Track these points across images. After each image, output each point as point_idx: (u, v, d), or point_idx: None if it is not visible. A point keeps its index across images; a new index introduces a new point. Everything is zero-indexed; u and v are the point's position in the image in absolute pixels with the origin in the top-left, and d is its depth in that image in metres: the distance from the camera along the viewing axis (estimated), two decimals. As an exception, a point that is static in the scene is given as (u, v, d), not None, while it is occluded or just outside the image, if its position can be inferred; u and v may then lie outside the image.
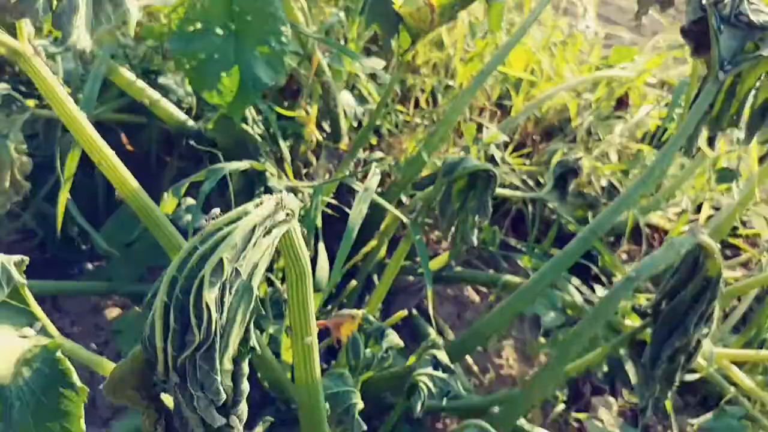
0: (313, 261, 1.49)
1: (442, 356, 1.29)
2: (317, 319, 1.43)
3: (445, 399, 1.29)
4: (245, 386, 0.67)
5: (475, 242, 1.36)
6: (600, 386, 1.89)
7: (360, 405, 1.14)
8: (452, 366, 1.29)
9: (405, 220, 1.40)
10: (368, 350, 1.26)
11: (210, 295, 0.61)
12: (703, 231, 1.25)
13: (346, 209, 1.77)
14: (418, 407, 1.22)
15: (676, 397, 2.00)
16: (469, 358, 1.78)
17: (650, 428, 1.88)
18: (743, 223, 2.68)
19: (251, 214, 0.63)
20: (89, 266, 1.75)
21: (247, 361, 0.67)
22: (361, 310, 1.31)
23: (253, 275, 0.65)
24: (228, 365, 0.65)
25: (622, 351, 1.57)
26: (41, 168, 1.65)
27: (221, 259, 0.61)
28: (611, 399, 1.84)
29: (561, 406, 1.72)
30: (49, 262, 1.75)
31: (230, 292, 0.63)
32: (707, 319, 1.43)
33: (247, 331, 0.66)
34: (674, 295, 1.35)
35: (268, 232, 0.67)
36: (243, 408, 0.69)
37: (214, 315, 0.62)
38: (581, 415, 1.67)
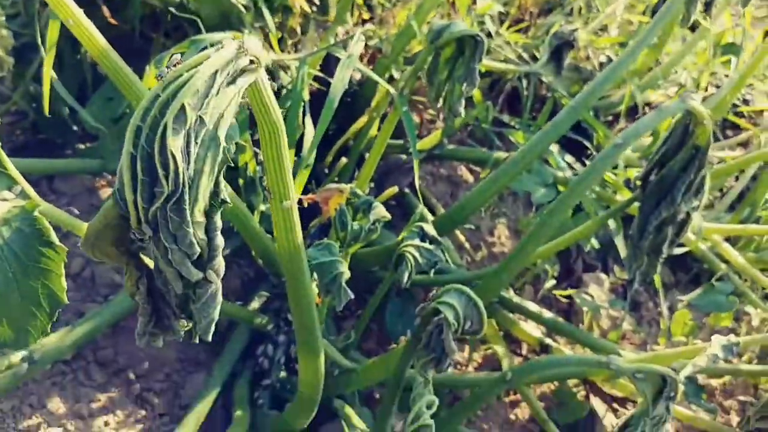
0: (301, 136, 1.47)
1: (429, 228, 1.30)
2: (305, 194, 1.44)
3: (432, 271, 1.30)
4: (219, 240, 0.67)
5: (462, 113, 1.33)
6: (592, 263, 1.91)
7: (347, 274, 1.15)
8: (439, 238, 1.30)
9: (392, 91, 1.37)
10: (356, 223, 1.26)
11: (174, 143, 0.60)
12: (693, 97, 1.22)
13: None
14: (405, 277, 1.24)
15: (668, 273, 2.03)
16: (461, 236, 1.80)
17: (641, 305, 1.92)
18: (745, 101, 2.63)
19: (212, 58, 0.61)
20: (81, 147, 1.74)
21: (219, 214, 0.66)
22: (350, 184, 1.31)
23: (219, 125, 0.64)
24: (199, 218, 0.64)
25: (612, 225, 1.57)
26: (28, 48, 1.61)
27: (183, 106, 0.60)
28: (603, 275, 1.87)
29: (551, 282, 1.75)
30: (41, 144, 1.74)
31: (196, 142, 0.62)
32: (697, 190, 1.42)
33: (217, 183, 0.65)
34: (663, 165, 1.34)
35: (233, 81, 0.65)
36: (219, 263, 0.69)
37: (181, 165, 0.61)
38: (571, 291, 1.70)
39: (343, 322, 1.61)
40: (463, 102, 1.35)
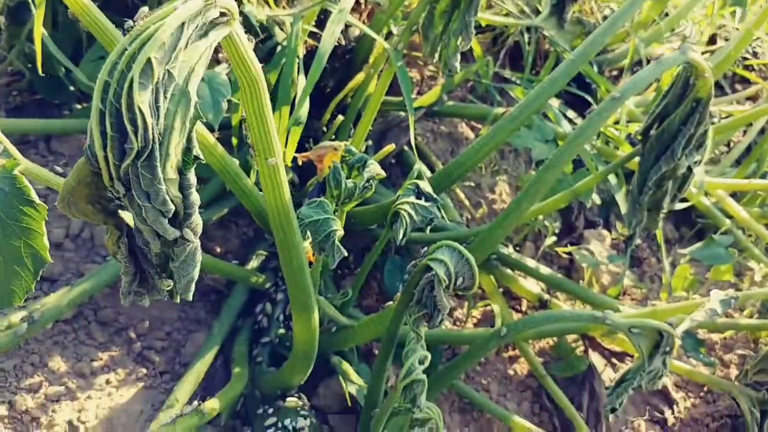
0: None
1: (425, 185, 1.28)
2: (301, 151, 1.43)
3: (429, 228, 1.30)
4: (195, 198, 0.67)
5: (458, 67, 1.31)
6: (594, 220, 1.89)
7: (340, 232, 1.14)
8: (435, 195, 1.28)
9: (386, 46, 1.35)
10: (350, 181, 1.25)
11: (141, 98, 0.59)
12: (694, 49, 1.19)
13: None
14: (400, 235, 1.23)
15: (671, 229, 2.01)
16: (460, 193, 1.79)
17: (643, 260, 1.91)
18: (755, 55, 2.58)
19: (178, 10, 0.59)
20: (78, 107, 1.73)
21: (192, 171, 0.66)
22: (345, 142, 1.29)
23: (190, 80, 0.63)
24: (172, 174, 0.64)
25: (613, 181, 1.56)
26: (23, 7, 1.60)
27: (149, 60, 0.59)
28: (605, 232, 1.85)
29: (552, 239, 1.74)
30: (38, 104, 1.74)
31: (165, 97, 0.61)
32: (699, 145, 1.40)
33: (189, 139, 0.64)
34: (664, 119, 1.32)
35: (204, 34, 0.64)
36: (196, 220, 0.68)
37: (149, 120, 0.60)
38: (571, 248, 1.69)
39: (342, 280, 1.61)
40: (459, 56, 1.33)
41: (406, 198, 1.27)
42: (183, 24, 0.61)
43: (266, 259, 1.54)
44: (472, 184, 1.82)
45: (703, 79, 1.24)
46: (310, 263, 1.29)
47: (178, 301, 0.74)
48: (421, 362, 1.05)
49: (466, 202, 1.77)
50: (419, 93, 1.94)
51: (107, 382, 1.37)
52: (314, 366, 1.43)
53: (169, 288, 0.75)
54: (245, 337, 1.42)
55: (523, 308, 1.64)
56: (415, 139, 1.89)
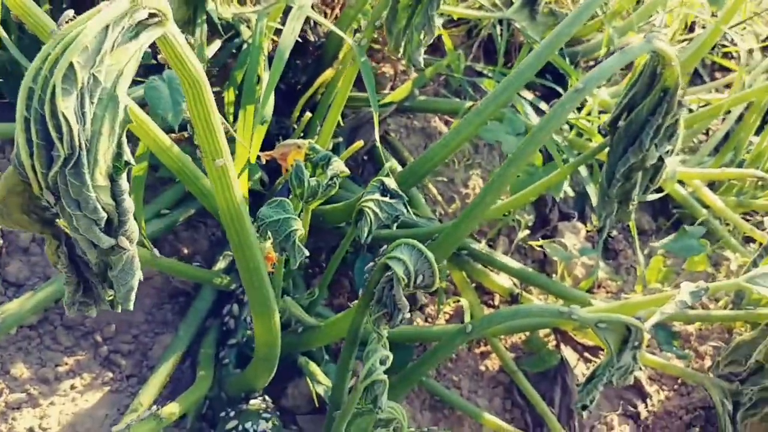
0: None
1: (390, 182, 1.26)
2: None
3: (397, 225, 1.28)
4: (128, 204, 0.65)
5: (422, 62, 1.29)
6: (568, 212, 1.88)
7: (301, 231, 1.12)
8: (401, 191, 1.27)
9: (350, 41, 1.33)
10: (314, 179, 1.23)
11: (65, 104, 0.57)
12: (660, 38, 1.18)
13: (297, 39, 1.69)
14: (365, 232, 1.21)
15: (648, 220, 2.01)
16: (433, 188, 1.77)
17: (619, 252, 1.90)
18: (734, 43, 2.57)
19: (102, 12, 0.57)
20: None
21: (125, 177, 0.64)
22: (308, 139, 1.27)
23: (118, 83, 0.61)
24: (102, 181, 0.62)
25: (584, 173, 1.54)
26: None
27: (71, 64, 0.57)
28: (579, 224, 1.84)
29: (525, 233, 1.72)
30: (6, 108, 1.71)
31: (92, 102, 0.59)
32: (670, 135, 1.38)
33: (120, 145, 0.62)
34: (632, 109, 1.30)
35: (135, 35, 0.62)
36: (131, 228, 0.66)
37: (75, 126, 0.58)
38: (543, 242, 1.68)
39: (313, 279, 1.60)
40: (422, 51, 1.31)
41: (370, 195, 1.25)
42: (107, 26, 0.58)
43: (233, 260, 1.52)
44: (445, 179, 1.80)
45: (670, 69, 1.23)
46: (274, 264, 1.27)
47: (120, 310, 0.72)
48: (382, 362, 1.04)
49: (439, 198, 1.76)
50: (392, 88, 1.92)
51: (72, 387, 1.34)
52: (282, 367, 1.42)
53: (111, 297, 0.73)
54: (212, 339, 1.40)
55: (496, 303, 1.63)
56: (388, 134, 1.87)
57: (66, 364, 1.38)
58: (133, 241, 0.67)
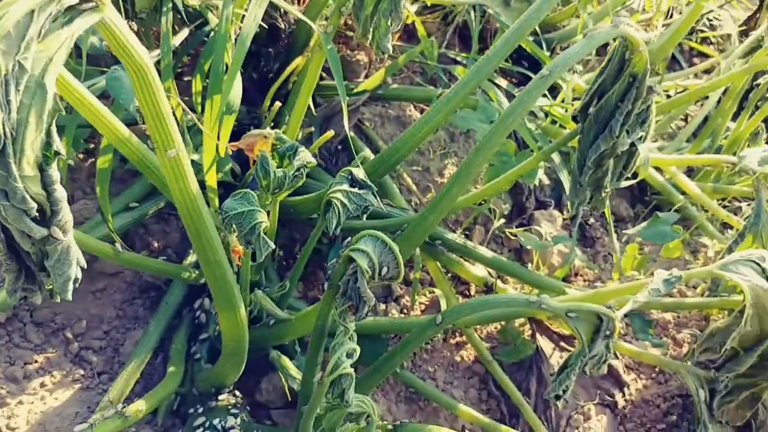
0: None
1: (358, 172, 1.24)
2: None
3: (367, 216, 1.26)
4: (60, 194, 0.62)
5: (390, 49, 1.27)
6: (545, 200, 1.87)
7: (266, 223, 1.10)
8: (370, 182, 1.25)
9: (316, 28, 1.30)
10: (280, 170, 1.21)
11: (-13, 93, 0.55)
12: (628, 22, 1.16)
13: (267, 26, 1.67)
14: (333, 223, 1.19)
15: (626, 207, 1.99)
16: (408, 178, 1.75)
17: (597, 240, 1.89)
18: (712, 27, 2.56)
19: (23, -3, 0.55)
20: None
21: (54, 166, 0.62)
22: (275, 129, 1.25)
23: (47, 71, 0.58)
24: (30, 171, 0.60)
25: (557, 160, 1.53)
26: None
27: (-8, 51, 0.54)
28: (556, 212, 1.83)
29: (500, 222, 1.71)
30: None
31: (17, 90, 0.57)
32: (642, 121, 1.37)
33: (49, 134, 0.60)
34: (602, 96, 1.28)
35: (69, 21, 0.60)
36: (65, 218, 0.64)
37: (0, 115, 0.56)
38: (517, 230, 1.66)
39: (287, 272, 1.58)
40: (390, 37, 1.29)
41: (338, 186, 1.23)
42: (32, 12, 0.56)
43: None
44: (420, 168, 1.78)
45: (638, 54, 1.21)
46: (240, 257, 1.25)
47: (59, 300, 0.70)
48: (349, 356, 1.02)
49: (414, 187, 1.74)
50: (367, 76, 1.90)
51: (42, 385, 1.32)
52: (256, 361, 1.40)
53: (50, 287, 0.71)
54: (184, 334, 1.38)
55: (472, 293, 1.62)
56: (362, 123, 1.85)
57: (36, 361, 1.36)
58: (67, 231, 0.65)
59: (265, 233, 1.12)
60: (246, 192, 1.14)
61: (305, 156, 1.23)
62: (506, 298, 1.16)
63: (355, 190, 1.23)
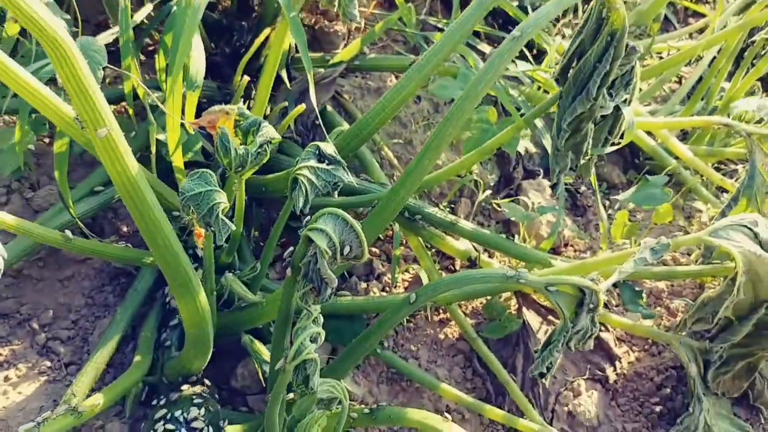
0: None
1: (327, 147, 1.18)
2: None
3: (336, 193, 1.20)
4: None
5: (357, 16, 1.20)
6: (534, 170, 1.81)
7: (225, 204, 1.04)
8: (339, 157, 1.18)
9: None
10: (242, 147, 1.15)
11: None
12: (603, -23, 1.09)
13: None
14: (301, 202, 1.13)
15: (619, 174, 1.93)
16: (389, 152, 1.69)
17: (588, 208, 1.82)
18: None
19: None
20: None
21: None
22: (237, 105, 1.19)
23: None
24: None
25: (539, 125, 1.46)
26: None
27: None
28: (545, 182, 1.76)
29: (487, 193, 1.65)
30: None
31: None
32: (626, 84, 1.30)
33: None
34: (581, 56, 1.22)
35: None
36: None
37: None
38: (503, 201, 1.60)
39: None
40: (356, 3, 1.22)
41: (305, 162, 1.16)
42: None
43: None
44: (402, 141, 1.72)
45: (615, 12, 1.14)
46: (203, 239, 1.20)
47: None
48: (312, 340, 0.97)
49: (395, 161, 1.67)
50: (345, 47, 1.83)
51: (6, 379, 1.28)
52: (231, 346, 1.35)
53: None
54: (154, 321, 1.33)
55: (458, 268, 1.56)
56: (341, 96, 1.78)
57: (0, 354, 1.32)
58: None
59: (227, 214, 1.06)
60: (203, 172, 1.07)
61: (269, 132, 1.17)
62: (482, 273, 1.10)
63: (324, 165, 1.17)
